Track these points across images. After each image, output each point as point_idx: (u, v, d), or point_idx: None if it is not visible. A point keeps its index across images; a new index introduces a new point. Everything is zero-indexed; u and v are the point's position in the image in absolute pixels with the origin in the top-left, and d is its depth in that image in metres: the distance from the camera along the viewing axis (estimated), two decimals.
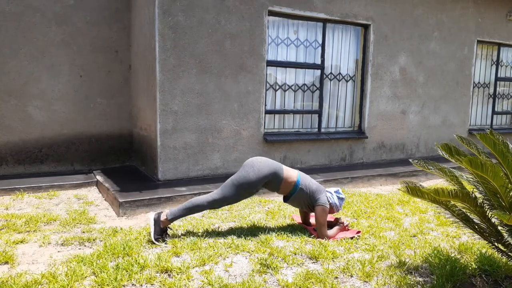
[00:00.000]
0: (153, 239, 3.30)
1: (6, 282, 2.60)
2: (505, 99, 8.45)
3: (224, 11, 5.23)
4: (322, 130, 6.36)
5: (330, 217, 3.98)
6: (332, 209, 3.66)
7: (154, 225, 3.34)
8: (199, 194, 4.67)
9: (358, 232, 3.70)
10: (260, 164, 3.50)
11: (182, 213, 3.43)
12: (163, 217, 3.38)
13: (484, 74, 8.03)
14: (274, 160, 3.64)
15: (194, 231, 3.63)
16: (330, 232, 3.60)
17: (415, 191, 2.53)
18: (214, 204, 3.47)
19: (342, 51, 6.39)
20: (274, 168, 3.52)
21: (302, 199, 3.62)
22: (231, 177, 3.54)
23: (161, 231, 3.36)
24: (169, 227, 3.51)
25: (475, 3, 7.43)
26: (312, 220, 3.92)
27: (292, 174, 3.60)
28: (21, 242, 3.38)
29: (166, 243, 3.31)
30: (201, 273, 2.81)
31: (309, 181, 3.64)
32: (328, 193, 3.68)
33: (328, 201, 3.61)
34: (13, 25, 5.35)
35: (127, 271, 2.76)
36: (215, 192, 3.50)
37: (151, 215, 3.40)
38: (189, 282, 2.68)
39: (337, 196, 3.67)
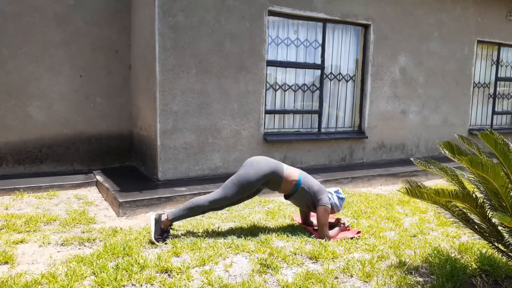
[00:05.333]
0: (153, 239, 3.30)
1: (6, 282, 2.60)
2: (505, 99, 8.44)
3: (224, 11, 5.23)
4: (322, 130, 6.36)
5: (331, 218, 3.97)
6: (333, 209, 3.67)
7: (155, 224, 3.34)
8: (199, 194, 4.66)
9: (358, 232, 3.69)
10: (260, 163, 3.50)
11: (183, 213, 3.43)
12: (164, 217, 3.38)
13: (484, 74, 8.03)
14: (274, 159, 3.64)
15: (194, 231, 3.63)
16: (331, 232, 3.59)
17: (415, 192, 2.52)
18: (215, 204, 3.45)
19: (342, 51, 6.38)
20: (274, 167, 3.52)
21: (303, 198, 3.62)
22: (231, 177, 3.54)
23: (162, 231, 3.36)
24: (171, 228, 3.51)
25: (475, 3, 7.42)
26: (313, 220, 3.92)
27: (293, 173, 3.60)
28: (21, 242, 3.38)
29: (166, 243, 3.31)
30: (201, 273, 2.81)
31: (311, 181, 3.64)
32: (329, 194, 3.69)
33: (329, 202, 3.61)
34: (13, 25, 5.35)
35: (127, 271, 2.76)
36: (215, 192, 3.49)
37: (151, 216, 3.39)
38: (189, 282, 2.68)
39: (337, 196, 3.68)
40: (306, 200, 3.62)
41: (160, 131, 5.03)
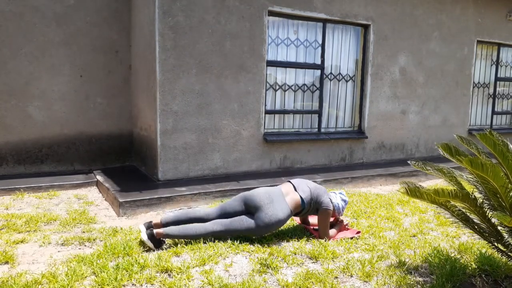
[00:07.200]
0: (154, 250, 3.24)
1: (6, 282, 2.60)
2: (505, 99, 8.45)
3: (224, 11, 5.23)
4: (322, 130, 6.36)
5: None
6: (334, 211, 3.62)
7: (151, 242, 3.20)
8: (199, 194, 4.67)
9: (358, 232, 3.70)
10: (275, 211, 3.34)
11: (179, 235, 3.29)
12: (156, 231, 3.23)
13: (484, 74, 8.03)
14: (280, 196, 3.46)
15: None
16: (331, 232, 3.60)
17: (414, 192, 2.53)
18: (213, 235, 3.34)
19: (342, 51, 6.39)
20: (287, 212, 3.41)
21: (310, 209, 3.60)
22: (240, 218, 3.35)
23: (158, 241, 3.25)
24: (163, 241, 3.35)
25: (475, 3, 7.43)
26: (312, 220, 3.92)
27: (293, 196, 3.51)
28: (21, 242, 3.39)
29: (166, 243, 3.31)
30: (201, 273, 2.81)
31: (308, 188, 3.59)
32: (332, 193, 3.67)
33: (331, 202, 3.60)
34: (13, 25, 5.35)
35: (127, 271, 2.77)
36: (217, 223, 3.33)
37: (143, 235, 3.22)
38: (189, 282, 2.69)
39: (341, 198, 3.65)
40: (312, 208, 3.61)
41: (160, 131, 5.04)
